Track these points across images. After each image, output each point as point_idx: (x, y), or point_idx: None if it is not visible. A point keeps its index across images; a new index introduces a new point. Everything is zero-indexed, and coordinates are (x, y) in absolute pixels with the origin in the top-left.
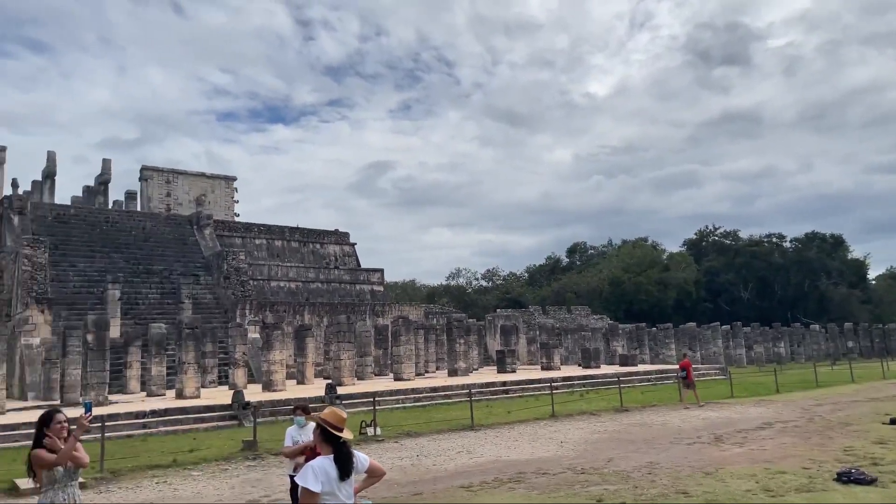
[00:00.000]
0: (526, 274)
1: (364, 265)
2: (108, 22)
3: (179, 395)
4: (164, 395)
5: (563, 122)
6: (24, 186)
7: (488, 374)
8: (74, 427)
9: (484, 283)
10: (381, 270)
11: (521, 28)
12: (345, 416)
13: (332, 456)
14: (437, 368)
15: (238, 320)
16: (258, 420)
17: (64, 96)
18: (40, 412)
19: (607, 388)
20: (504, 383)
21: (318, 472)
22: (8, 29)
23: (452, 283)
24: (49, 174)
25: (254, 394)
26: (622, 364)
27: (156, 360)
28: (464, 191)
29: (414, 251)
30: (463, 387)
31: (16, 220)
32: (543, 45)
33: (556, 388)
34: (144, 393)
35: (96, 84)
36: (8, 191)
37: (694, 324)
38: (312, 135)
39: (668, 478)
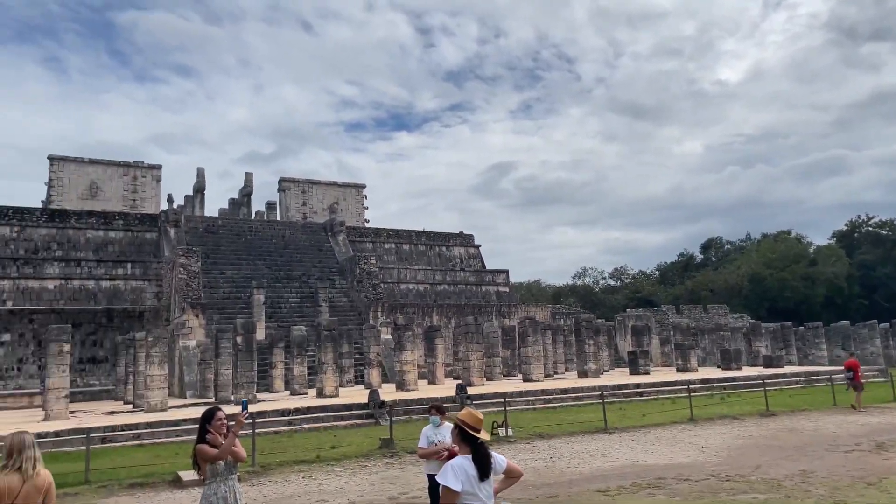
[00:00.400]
0: (657, 272)
1: (488, 266)
2: (246, 44)
3: (320, 394)
4: (306, 393)
5: (693, 112)
6: (178, 201)
7: (620, 376)
8: (233, 423)
9: (612, 283)
10: (506, 271)
11: (645, 17)
12: (481, 417)
13: (470, 456)
14: (566, 370)
15: (371, 322)
16: (393, 419)
17: (209, 116)
18: (198, 409)
19: (750, 391)
20: (637, 385)
21: (458, 472)
22: (159, 56)
23: (578, 282)
24: (199, 189)
25: (388, 393)
26: (766, 366)
27: (297, 361)
28: (588, 188)
29: (538, 251)
30: (594, 388)
31: (172, 232)
32: (669, 34)
33: (694, 390)
34: (288, 392)
35: (236, 103)
36: (164, 205)
37: (847, 322)
38: (435, 140)
39: (824, 487)
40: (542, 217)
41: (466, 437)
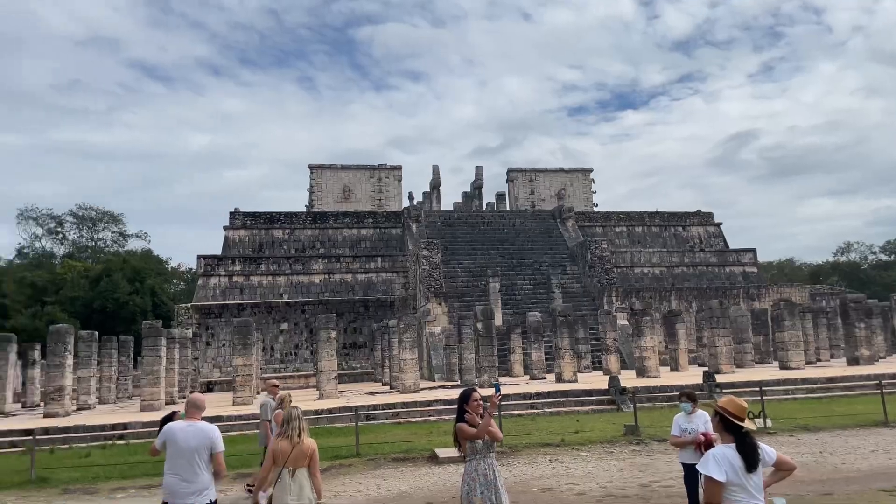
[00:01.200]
0: None
1: (731, 245)
2: (469, 43)
3: (558, 379)
4: (545, 378)
5: None
6: (417, 197)
7: None
8: (488, 405)
9: (884, 258)
10: (753, 250)
11: None
12: (745, 405)
13: (733, 445)
14: (832, 356)
15: (606, 307)
16: (637, 405)
17: (439, 116)
18: (446, 391)
19: None
20: None
21: (721, 461)
22: (393, 65)
23: (842, 259)
24: (435, 185)
25: (628, 379)
26: None
27: (535, 346)
28: (847, 152)
29: (789, 226)
30: (868, 377)
31: (414, 227)
32: None
33: None
34: (528, 376)
35: (463, 101)
36: (406, 203)
37: None
38: (663, 115)
39: None
40: (792, 188)
41: (729, 427)
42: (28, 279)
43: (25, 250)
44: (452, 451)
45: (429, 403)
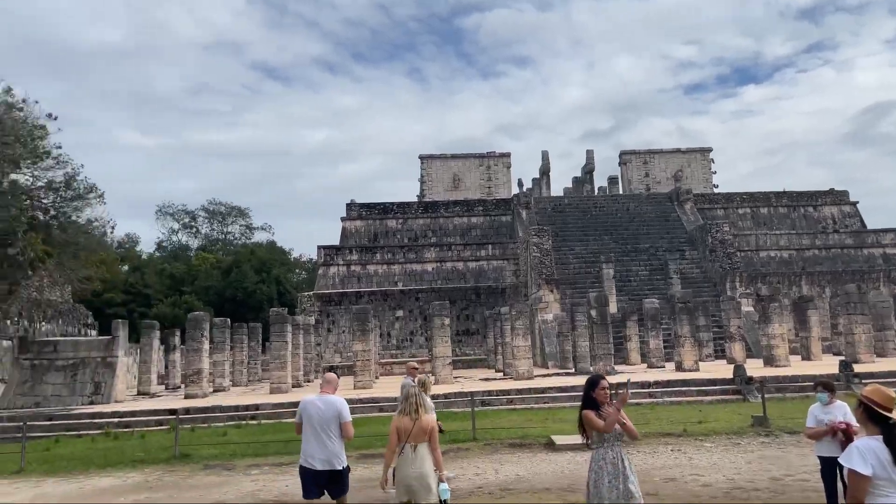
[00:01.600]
0: None
1: (869, 225)
2: (576, 24)
3: (678, 368)
4: (664, 366)
5: None
6: (526, 184)
7: None
8: (614, 392)
9: None
10: (895, 230)
11: None
12: (893, 395)
13: (880, 438)
14: None
15: (728, 293)
16: (765, 395)
17: (546, 101)
18: (560, 379)
19: None
20: None
21: (867, 454)
22: (499, 51)
23: None
24: (544, 171)
25: (754, 368)
26: None
27: (652, 334)
28: None
29: None
30: None
31: (524, 213)
32: None
33: None
34: (645, 364)
35: (571, 84)
36: (515, 190)
37: None
38: (789, 89)
39: None
40: None
41: (874, 418)
42: (167, 270)
43: (164, 244)
44: (569, 439)
45: (543, 391)
